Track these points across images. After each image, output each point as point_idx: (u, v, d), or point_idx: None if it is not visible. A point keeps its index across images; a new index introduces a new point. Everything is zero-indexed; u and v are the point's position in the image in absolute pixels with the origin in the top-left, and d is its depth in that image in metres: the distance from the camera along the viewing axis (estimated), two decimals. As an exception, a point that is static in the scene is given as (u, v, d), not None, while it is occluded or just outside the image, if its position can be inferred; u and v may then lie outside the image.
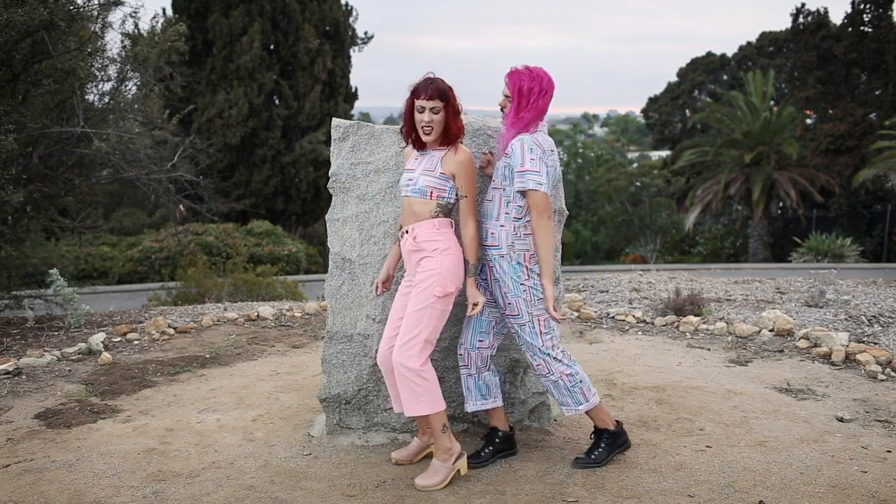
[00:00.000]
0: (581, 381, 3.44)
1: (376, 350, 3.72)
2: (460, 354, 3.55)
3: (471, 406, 3.58)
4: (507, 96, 3.36)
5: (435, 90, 3.24)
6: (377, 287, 3.57)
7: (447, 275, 3.28)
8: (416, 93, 3.28)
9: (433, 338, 3.31)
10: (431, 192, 3.31)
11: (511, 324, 3.44)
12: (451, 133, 3.31)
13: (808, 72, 24.44)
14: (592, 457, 3.47)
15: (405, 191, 3.37)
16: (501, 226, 3.38)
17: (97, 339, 5.70)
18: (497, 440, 3.57)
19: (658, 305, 6.86)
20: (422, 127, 3.29)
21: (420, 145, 3.38)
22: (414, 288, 3.32)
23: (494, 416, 3.62)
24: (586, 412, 3.50)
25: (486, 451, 3.53)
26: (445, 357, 3.77)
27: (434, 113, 3.26)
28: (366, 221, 3.78)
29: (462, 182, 3.30)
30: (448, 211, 3.37)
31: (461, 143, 3.37)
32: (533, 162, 3.26)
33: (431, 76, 3.30)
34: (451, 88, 3.30)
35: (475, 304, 3.31)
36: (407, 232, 3.36)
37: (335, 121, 3.82)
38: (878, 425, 3.97)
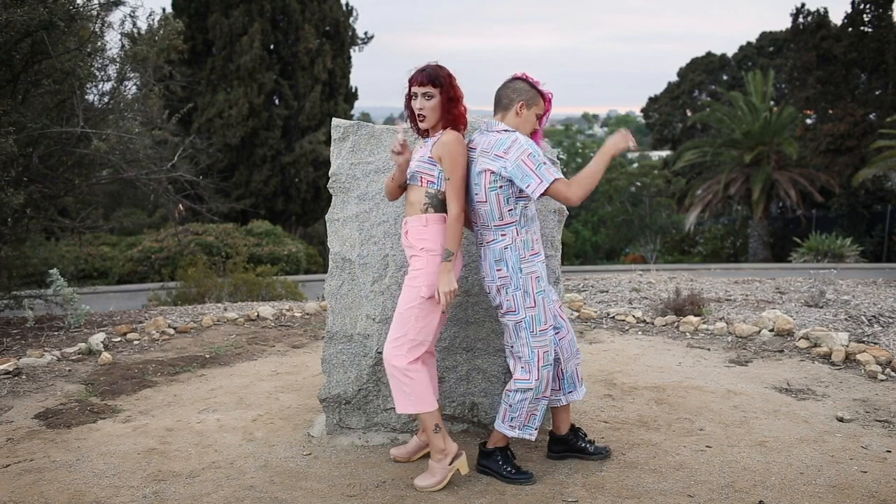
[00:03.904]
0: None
1: (377, 350, 3.73)
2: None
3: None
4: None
5: (426, 76, 3.19)
6: (399, 143, 3.27)
7: (434, 275, 3.20)
8: (410, 80, 3.25)
9: (423, 338, 3.23)
10: (422, 178, 3.25)
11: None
12: (450, 120, 3.24)
13: (808, 72, 24.46)
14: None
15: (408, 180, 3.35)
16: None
17: (97, 339, 5.70)
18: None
19: (658, 305, 6.86)
20: (417, 114, 3.25)
21: (423, 133, 3.35)
22: (403, 286, 3.29)
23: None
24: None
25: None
26: (445, 357, 3.77)
27: (427, 99, 3.21)
28: (366, 221, 3.78)
29: (445, 164, 3.19)
30: (439, 203, 3.24)
31: (464, 130, 3.30)
32: None
33: (431, 63, 3.24)
34: (448, 75, 3.22)
35: (447, 293, 3.14)
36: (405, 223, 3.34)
37: (335, 121, 3.82)
38: (878, 425, 3.97)
